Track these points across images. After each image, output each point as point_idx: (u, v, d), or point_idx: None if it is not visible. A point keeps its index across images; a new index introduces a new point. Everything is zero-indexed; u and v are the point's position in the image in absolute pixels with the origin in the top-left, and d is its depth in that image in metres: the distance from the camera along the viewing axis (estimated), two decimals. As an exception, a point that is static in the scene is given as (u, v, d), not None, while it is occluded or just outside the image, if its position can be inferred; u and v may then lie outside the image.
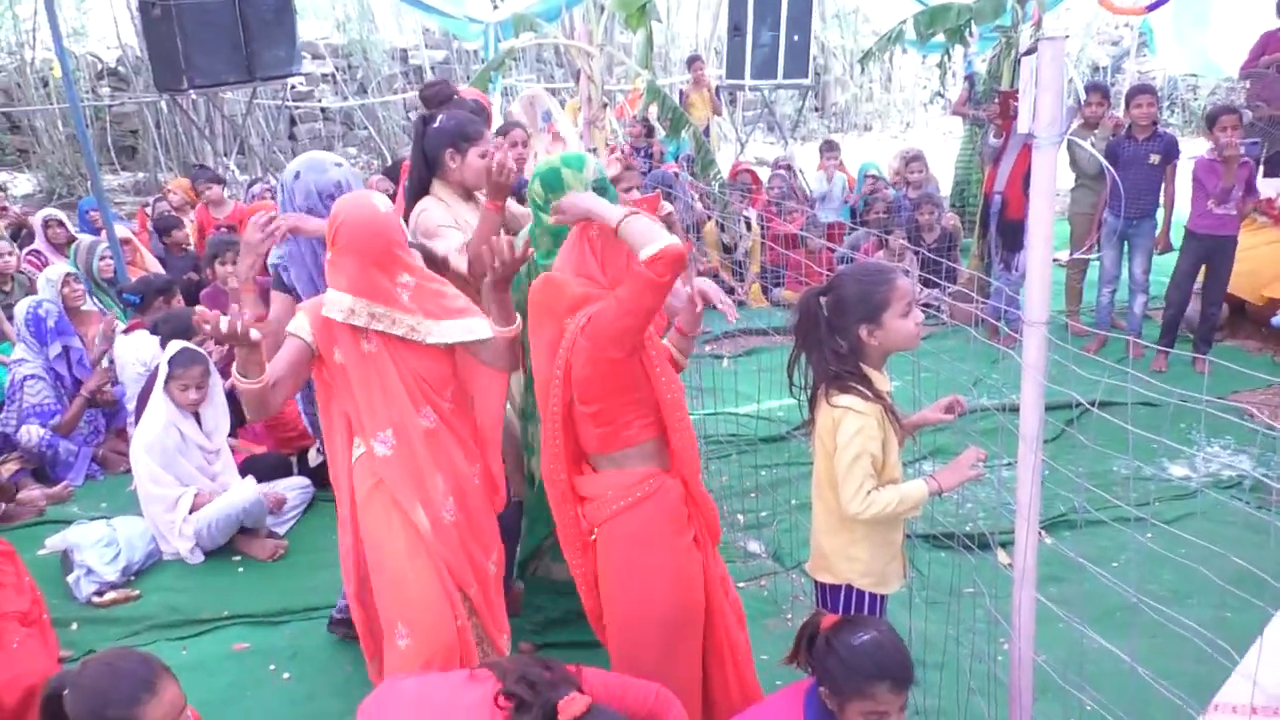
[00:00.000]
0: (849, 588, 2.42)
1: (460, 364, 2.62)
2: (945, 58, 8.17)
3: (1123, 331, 5.83)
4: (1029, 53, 5.36)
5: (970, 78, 8.55)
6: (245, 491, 4.05)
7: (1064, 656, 2.72)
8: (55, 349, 4.87)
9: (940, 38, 7.50)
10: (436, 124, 3.17)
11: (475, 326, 2.50)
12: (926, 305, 5.94)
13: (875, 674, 2.02)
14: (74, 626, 3.56)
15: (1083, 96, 6.20)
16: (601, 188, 2.83)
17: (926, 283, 6.15)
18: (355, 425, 2.45)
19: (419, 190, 3.25)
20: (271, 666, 3.32)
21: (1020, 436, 2.13)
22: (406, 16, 13.75)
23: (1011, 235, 5.86)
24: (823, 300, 2.35)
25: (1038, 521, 2.20)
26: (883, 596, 2.45)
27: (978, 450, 2.32)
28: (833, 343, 2.32)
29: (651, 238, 2.11)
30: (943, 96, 9.17)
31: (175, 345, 4.13)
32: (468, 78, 12.47)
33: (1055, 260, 2.42)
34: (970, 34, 7.29)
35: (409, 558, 2.45)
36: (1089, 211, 6.02)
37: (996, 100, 6.06)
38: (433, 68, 13.77)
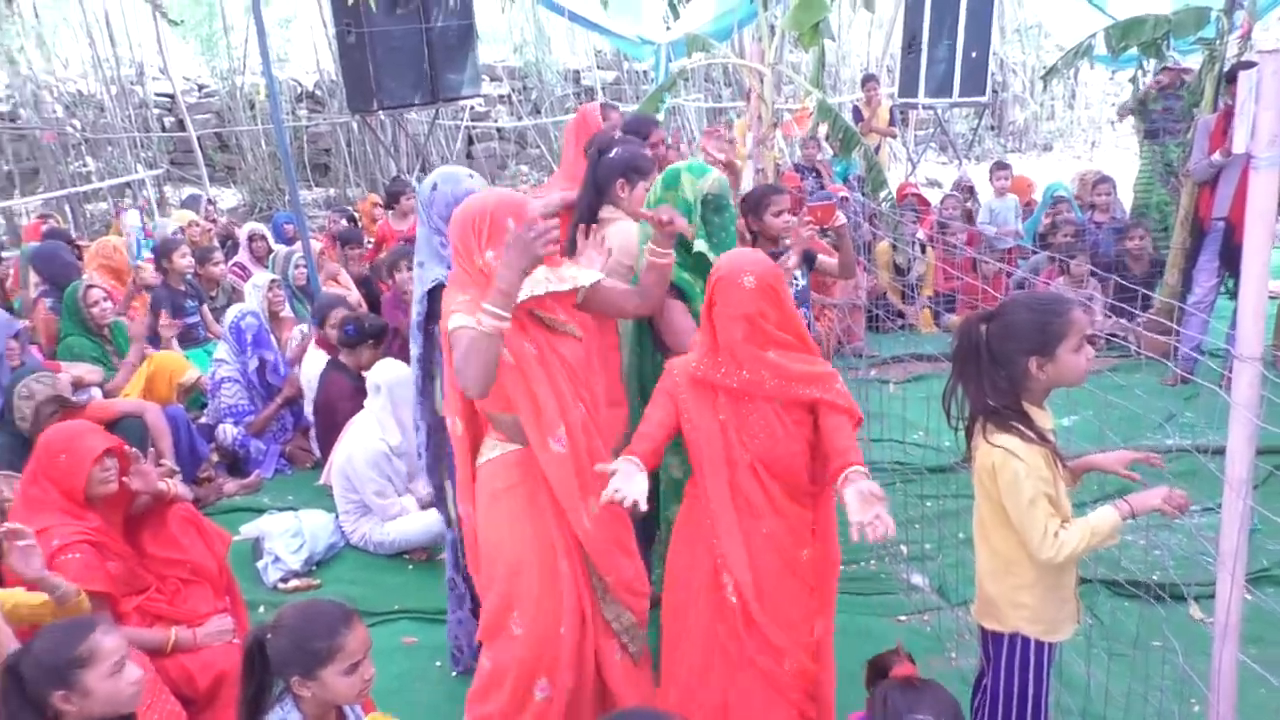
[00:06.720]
0: (1015, 636, 2.28)
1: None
2: (1138, 72, 7.69)
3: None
4: (1243, 66, 4.98)
5: (1143, 98, 7.93)
6: (429, 519, 4.20)
7: (1267, 724, 2.49)
8: (254, 362, 5.23)
9: (1134, 51, 7.07)
10: (611, 154, 3.30)
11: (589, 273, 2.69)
12: (1114, 336, 5.63)
13: None
14: (261, 610, 3.80)
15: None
16: (720, 206, 2.92)
17: (1116, 311, 5.79)
18: (530, 425, 2.47)
19: (587, 216, 3.36)
20: (437, 663, 3.45)
21: (1225, 481, 1.98)
22: (579, 39, 14.14)
23: (1239, 263, 5.44)
24: (986, 327, 2.20)
25: (1243, 574, 2.02)
26: (1051, 645, 2.30)
27: (1175, 492, 2.14)
28: (993, 374, 2.17)
29: None
30: (1136, 114, 8.63)
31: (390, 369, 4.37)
32: (638, 98, 12.70)
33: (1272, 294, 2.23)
34: (1167, 47, 6.82)
35: (534, 552, 2.51)
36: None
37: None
38: (604, 88, 14.08)
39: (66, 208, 10.94)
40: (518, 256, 2.24)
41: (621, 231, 3.26)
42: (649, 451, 2.33)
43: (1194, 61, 7.80)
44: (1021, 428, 2.13)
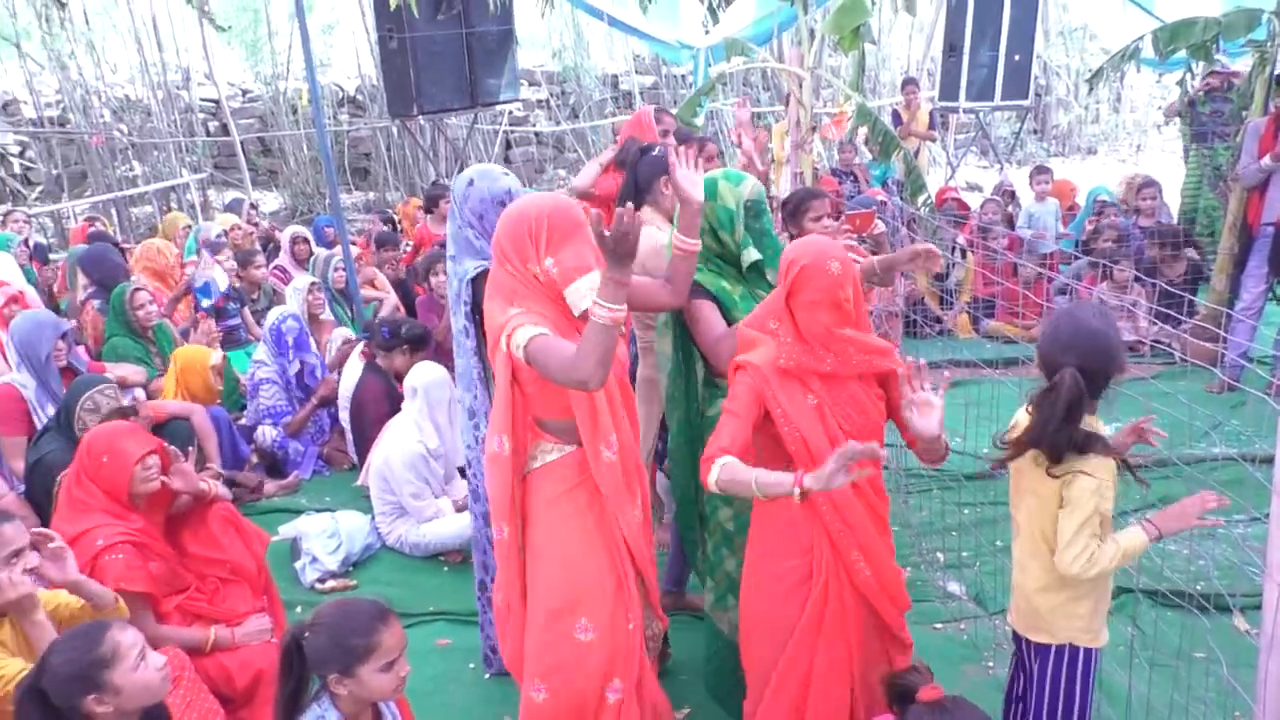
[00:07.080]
0: (1063, 646, 2.31)
1: None
2: (1187, 75, 7.56)
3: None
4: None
5: (1192, 100, 7.76)
6: (464, 522, 4.19)
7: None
8: (295, 365, 5.29)
9: (1182, 54, 6.94)
10: (655, 153, 3.28)
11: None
12: (1158, 342, 5.53)
13: None
14: (298, 610, 3.84)
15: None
16: (760, 210, 2.88)
17: (1161, 317, 5.69)
18: (587, 432, 2.45)
19: None
20: (471, 665, 3.47)
21: (1273, 489, 1.93)
22: (618, 43, 14.17)
23: None
24: (1080, 374, 2.16)
25: (1291, 586, 1.98)
26: (1097, 651, 2.33)
27: (1211, 495, 2.13)
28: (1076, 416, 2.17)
29: None
30: (1184, 118, 8.47)
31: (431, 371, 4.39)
32: (675, 102, 12.70)
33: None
34: (1217, 49, 6.69)
35: (599, 553, 2.51)
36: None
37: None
38: (642, 93, 14.10)
39: (113, 211, 11.17)
40: (624, 248, 2.14)
41: (643, 237, 3.24)
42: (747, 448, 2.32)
43: (1244, 64, 7.65)
44: (1101, 444, 2.16)
